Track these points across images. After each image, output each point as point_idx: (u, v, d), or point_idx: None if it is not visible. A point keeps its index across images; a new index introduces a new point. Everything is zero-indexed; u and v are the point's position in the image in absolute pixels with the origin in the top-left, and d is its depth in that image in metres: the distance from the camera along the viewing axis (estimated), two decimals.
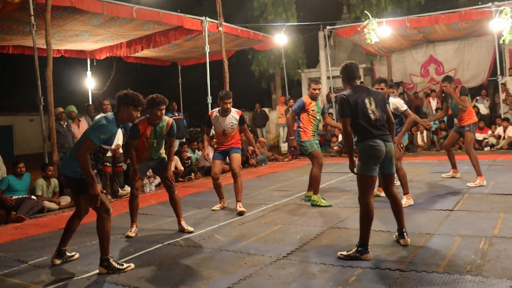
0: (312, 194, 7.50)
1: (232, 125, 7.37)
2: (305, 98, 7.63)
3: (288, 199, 8.23)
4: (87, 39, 12.69)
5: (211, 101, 13.64)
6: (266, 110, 20.52)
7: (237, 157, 7.41)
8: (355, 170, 4.81)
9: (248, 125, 20.10)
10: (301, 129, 7.56)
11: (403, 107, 7.14)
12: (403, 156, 7.25)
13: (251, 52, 20.52)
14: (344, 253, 4.74)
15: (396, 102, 7.10)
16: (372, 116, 4.76)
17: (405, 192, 6.99)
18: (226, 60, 14.11)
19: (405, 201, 6.87)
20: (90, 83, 15.64)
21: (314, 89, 7.43)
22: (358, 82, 4.95)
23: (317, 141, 7.64)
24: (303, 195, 8.24)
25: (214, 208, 7.64)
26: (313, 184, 7.48)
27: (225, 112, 7.32)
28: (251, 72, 21.79)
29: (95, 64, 15.06)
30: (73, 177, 4.72)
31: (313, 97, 7.55)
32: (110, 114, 4.82)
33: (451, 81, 8.82)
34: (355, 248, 4.68)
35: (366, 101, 4.79)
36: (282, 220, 6.63)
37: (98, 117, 7.10)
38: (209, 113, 7.52)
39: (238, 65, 22.46)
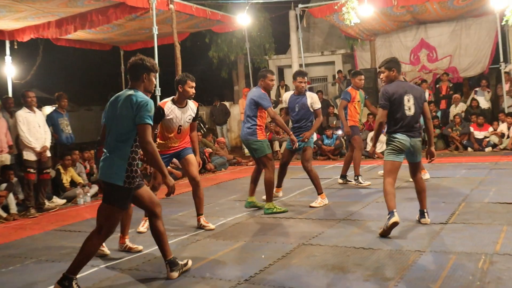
0: (266, 202, 7.82)
1: (189, 119, 7.10)
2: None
3: (252, 210, 8.20)
4: (5, 16, 12.36)
5: (160, 94, 13.49)
6: (227, 104, 20.48)
7: (194, 159, 7.10)
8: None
9: (205, 122, 20.05)
10: (257, 127, 7.72)
11: (317, 105, 8.42)
12: (312, 158, 8.38)
13: (209, 34, 20.47)
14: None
15: (314, 97, 8.42)
16: (407, 112, 6.26)
17: (319, 192, 8.19)
18: (178, 44, 13.96)
19: (319, 200, 8.14)
20: (9, 70, 15.23)
21: (272, 80, 7.87)
22: (401, 78, 6.41)
23: (268, 142, 7.93)
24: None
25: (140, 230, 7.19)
26: (267, 191, 7.78)
27: (183, 102, 7.03)
28: (208, 59, 21.72)
29: (16, 47, 14.67)
30: (116, 184, 4.69)
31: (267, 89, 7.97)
32: (133, 90, 4.88)
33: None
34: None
35: (405, 97, 6.27)
36: (245, 236, 6.58)
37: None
38: (161, 104, 6.96)
39: (193, 51, 22.33)
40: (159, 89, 13.31)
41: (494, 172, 10.68)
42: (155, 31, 13.17)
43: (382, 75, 6.57)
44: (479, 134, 15.12)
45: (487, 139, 14.91)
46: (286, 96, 8.79)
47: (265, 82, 7.77)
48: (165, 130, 6.99)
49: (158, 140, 7.03)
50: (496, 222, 6.41)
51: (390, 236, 6.03)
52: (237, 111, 20.30)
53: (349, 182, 10.25)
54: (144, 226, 7.05)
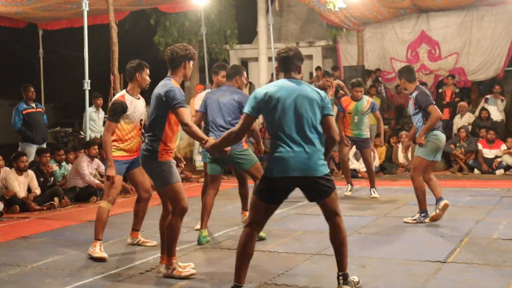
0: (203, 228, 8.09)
1: (144, 114, 7.61)
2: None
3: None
4: None
5: (89, 87, 13.38)
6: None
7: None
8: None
9: (146, 125, 19.93)
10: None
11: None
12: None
13: (155, 15, 20.49)
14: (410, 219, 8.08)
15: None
16: None
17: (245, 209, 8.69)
18: (115, 25, 13.92)
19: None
20: None
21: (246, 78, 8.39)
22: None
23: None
24: (226, 233, 8.34)
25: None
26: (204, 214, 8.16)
27: (137, 93, 7.62)
28: (153, 46, 21.68)
29: None
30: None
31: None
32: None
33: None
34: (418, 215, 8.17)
35: None
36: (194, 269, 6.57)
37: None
38: (120, 98, 7.42)
39: (134, 34, 22.27)
40: (88, 81, 13.22)
41: (505, 200, 10.87)
42: (85, 7, 13.09)
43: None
44: (489, 153, 15.36)
45: (499, 160, 15.16)
46: None
47: (240, 80, 8.14)
48: (124, 130, 7.45)
49: (116, 142, 7.41)
50: (506, 263, 6.50)
51: (376, 276, 6.08)
52: (187, 112, 20.19)
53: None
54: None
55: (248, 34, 23.14)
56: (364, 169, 14.68)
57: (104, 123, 15.54)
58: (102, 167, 12.48)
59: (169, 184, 6.31)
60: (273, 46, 18.34)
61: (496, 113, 16.97)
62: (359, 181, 13.70)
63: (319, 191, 5.42)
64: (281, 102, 5.37)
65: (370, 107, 11.60)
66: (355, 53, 20.46)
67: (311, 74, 21.92)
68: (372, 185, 11.67)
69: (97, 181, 12.37)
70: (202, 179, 15.01)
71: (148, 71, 7.65)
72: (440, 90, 18.31)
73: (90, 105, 14.33)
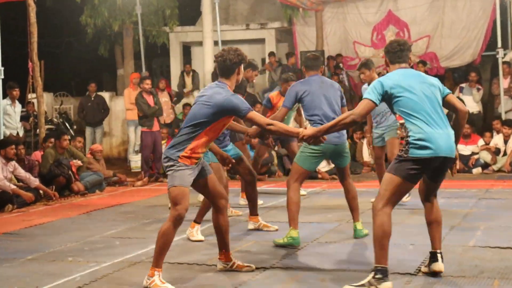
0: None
1: None
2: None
3: (141, 251, 8.14)
4: None
5: (2, 76, 13.17)
6: (106, 95, 20.23)
7: None
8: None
9: (71, 121, 19.71)
10: None
11: None
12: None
13: None
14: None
15: None
16: None
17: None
18: (32, 3, 13.74)
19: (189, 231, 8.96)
20: None
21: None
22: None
23: None
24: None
25: None
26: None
27: None
28: (80, 28, 21.46)
29: None
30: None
31: None
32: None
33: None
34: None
35: None
36: None
37: None
38: None
39: (57, 14, 22.04)
40: (1, 69, 13.02)
41: (484, 203, 11.00)
42: None
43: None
44: (464, 149, 15.50)
45: (476, 157, 15.32)
46: None
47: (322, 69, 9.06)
48: None
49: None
50: (484, 274, 6.53)
51: None
52: (120, 105, 20.04)
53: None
54: None
55: (190, 15, 23.10)
56: (324, 169, 14.75)
57: (21, 118, 15.31)
58: (19, 170, 12.34)
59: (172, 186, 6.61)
60: (219, 28, 18.29)
61: (472, 104, 17.04)
62: (319, 183, 13.70)
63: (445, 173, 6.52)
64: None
65: None
66: (313, 36, 20.53)
67: (263, 60, 21.91)
68: None
69: (13, 186, 12.14)
70: (139, 182, 14.98)
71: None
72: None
73: (4, 97, 14.16)
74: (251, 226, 9.49)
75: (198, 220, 8.88)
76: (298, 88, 8.68)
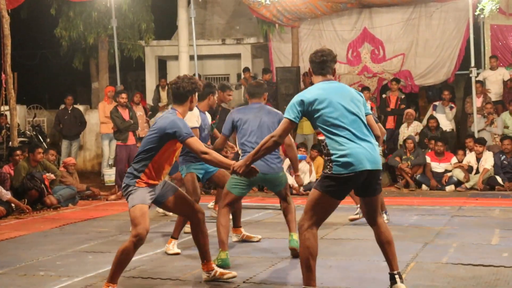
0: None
1: None
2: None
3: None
4: None
5: None
6: (81, 108, 20.15)
7: None
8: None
9: (45, 134, 19.62)
10: None
11: None
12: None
13: (56, 3, 20.31)
14: None
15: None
16: None
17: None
18: (6, 15, 13.71)
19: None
20: None
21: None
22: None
23: None
24: (139, 259, 8.15)
25: None
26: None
27: None
28: (54, 40, 21.39)
29: None
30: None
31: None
32: None
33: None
34: None
35: None
36: None
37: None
38: None
39: (31, 26, 21.95)
40: None
41: (456, 220, 11.06)
42: None
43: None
44: (438, 167, 15.63)
45: (449, 174, 15.44)
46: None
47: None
48: None
49: None
50: None
51: None
52: (95, 119, 20.00)
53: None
54: None
55: (166, 29, 23.09)
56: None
57: None
58: None
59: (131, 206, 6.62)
60: (195, 43, 18.31)
61: (445, 122, 17.25)
62: (294, 198, 13.70)
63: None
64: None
65: None
66: (289, 53, 20.57)
67: (239, 75, 21.95)
68: None
69: None
70: (112, 196, 14.93)
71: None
72: (384, 96, 18.49)
73: None
74: (234, 238, 9.51)
75: (175, 236, 8.86)
76: (234, 116, 8.72)
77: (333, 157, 5.98)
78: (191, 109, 7.14)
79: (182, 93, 6.94)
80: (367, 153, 6.02)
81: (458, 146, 16.32)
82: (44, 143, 18.16)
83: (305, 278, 5.98)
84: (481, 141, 15.41)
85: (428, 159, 15.62)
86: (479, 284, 6.82)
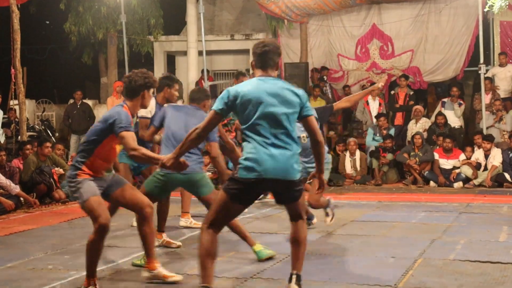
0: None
1: None
2: None
3: (122, 260, 8.11)
4: None
5: None
6: (90, 103, 20.19)
7: None
8: None
9: (54, 128, 19.65)
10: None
11: None
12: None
13: None
14: None
15: None
16: None
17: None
18: (16, 9, 13.73)
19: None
20: None
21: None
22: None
23: None
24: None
25: None
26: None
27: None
28: (64, 35, 21.44)
29: None
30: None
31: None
32: None
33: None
34: None
35: None
36: None
37: None
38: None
39: (41, 21, 22.00)
40: None
41: (464, 217, 11.04)
42: None
43: None
44: (446, 163, 15.59)
45: (457, 171, 15.40)
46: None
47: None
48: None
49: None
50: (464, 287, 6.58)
51: None
52: (104, 113, 19.96)
53: None
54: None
55: (175, 24, 23.11)
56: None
57: (3, 124, 15.28)
58: (0, 178, 12.32)
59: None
60: (204, 38, 18.31)
61: (453, 118, 17.20)
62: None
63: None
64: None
65: None
66: (298, 49, 20.56)
67: (247, 71, 21.93)
68: None
69: None
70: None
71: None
72: (392, 92, 18.44)
73: None
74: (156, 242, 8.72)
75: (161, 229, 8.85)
76: (166, 109, 8.61)
77: (240, 159, 5.84)
78: (143, 105, 6.93)
79: (133, 87, 6.74)
80: (276, 162, 5.72)
81: (466, 142, 16.26)
82: (52, 137, 18.22)
83: (201, 276, 5.87)
84: (490, 138, 15.37)
85: (436, 156, 15.60)
86: (487, 281, 6.82)
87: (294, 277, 6.06)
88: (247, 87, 5.88)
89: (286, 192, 5.96)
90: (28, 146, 13.99)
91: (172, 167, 6.24)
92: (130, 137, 6.44)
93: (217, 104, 5.84)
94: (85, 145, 6.64)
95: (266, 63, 6.00)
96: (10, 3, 13.61)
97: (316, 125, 6.02)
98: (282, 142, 5.77)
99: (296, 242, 6.10)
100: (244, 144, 5.85)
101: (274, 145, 5.73)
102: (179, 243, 8.85)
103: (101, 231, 6.37)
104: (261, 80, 5.93)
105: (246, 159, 5.72)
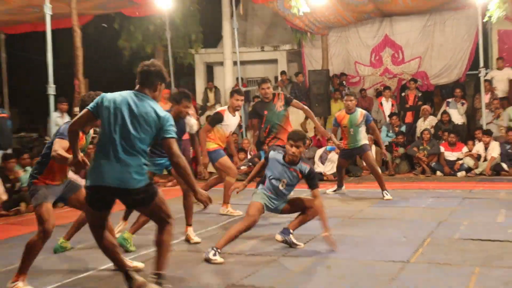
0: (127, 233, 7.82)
1: None
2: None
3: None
4: None
5: (54, 92, 13.31)
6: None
7: None
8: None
9: None
10: None
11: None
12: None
13: (119, 19, 20.42)
14: None
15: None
16: None
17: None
18: (78, 30, 13.88)
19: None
20: None
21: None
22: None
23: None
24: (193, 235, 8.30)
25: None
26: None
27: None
28: (117, 50, 21.61)
29: None
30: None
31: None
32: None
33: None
34: None
35: None
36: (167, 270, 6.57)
37: None
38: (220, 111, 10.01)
39: (99, 38, 22.19)
40: (53, 86, 13.17)
41: (467, 202, 11.04)
42: (48, 11, 13.01)
43: None
44: (450, 155, 15.59)
45: (460, 162, 15.39)
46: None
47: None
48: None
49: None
50: (467, 263, 6.65)
51: (341, 276, 6.21)
52: None
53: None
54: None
55: (213, 39, 23.19)
56: (330, 172, 14.87)
57: None
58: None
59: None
60: (238, 50, 18.42)
61: (457, 116, 17.20)
62: (324, 184, 13.77)
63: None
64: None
65: (364, 119, 11.64)
66: (320, 57, 20.57)
67: (276, 78, 22.02)
68: (383, 188, 11.57)
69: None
70: (169, 183, 14.84)
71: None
72: (403, 94, 18.47)
73: (55, 110, 14.18)
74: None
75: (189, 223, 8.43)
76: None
77: (88, 167, 5.70)
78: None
79: (83, 100, 6.49)
80: (113, 171, 5.38)
81: (468, 137, 16.20)
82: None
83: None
84: (489, 133, 15.36)
85: (442, 149, 15.60)
86: (488, 256, 6.88)
87: (154, 276, 5.61)
88: (115, 96, 5.56)
89: (131, 199, 5.55)
90: (90, 146, 14.02)
91: (72, 164, 6.09)
92: (57, 143, 6.30)
93: (91, 104, 5.55)
94: (42, 157, 6.63)
95: (144, 81, 5.66)
96: (73, 25, 13.77)
97: (173, 147, 5.50)
98: (123, 156, 5.38)
99: (157, 243, 5.69)
100: (95, 149, 5.60)
101: (116, 158, 5.38)
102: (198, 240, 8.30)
103: (45, 235, 6.24)
104: (131, 94, 5.59)
105: (90, 167, 5.54)
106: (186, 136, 9.03)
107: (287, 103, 10.12)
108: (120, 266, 5.72)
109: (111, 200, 5.58)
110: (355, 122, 11.50)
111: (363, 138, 11.84)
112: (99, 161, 5.42)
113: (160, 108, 5.59)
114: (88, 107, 5.53)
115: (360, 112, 11.68)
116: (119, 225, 8.37)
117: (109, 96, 5.56)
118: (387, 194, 11.38)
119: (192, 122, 8.57)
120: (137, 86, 5.67)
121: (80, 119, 5.59)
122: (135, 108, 5.47)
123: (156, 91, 5.74)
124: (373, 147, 15.99)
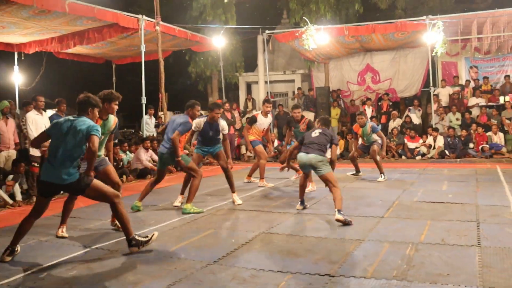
0: (186, 203, 7.46)
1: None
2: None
3: (221, 204, 8.16)
4: (14, 32, 12.19)
5: (145, 102, 13.48)
6: (202, 112, 20.39)
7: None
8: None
9: None
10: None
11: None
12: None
13: (189, 53, 20.41)
14: None
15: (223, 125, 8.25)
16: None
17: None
18: (162, 60, 13.99)
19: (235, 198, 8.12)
20: (17, 78, 15.03)
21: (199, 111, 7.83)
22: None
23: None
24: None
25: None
26: (190, 193, 7.46)
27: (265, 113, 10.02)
28: (187, 74, 21.66)
29: (23, 58, 14.49)
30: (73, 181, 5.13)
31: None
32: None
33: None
34: None
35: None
36: (214, 225, 6.60)
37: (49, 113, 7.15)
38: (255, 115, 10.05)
39: (175, 66, 22.28)
40: (145, 97, 13.33)
41: (422, 176, 10.95)
42: (143, 49, 13.18)
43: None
44: (411, 145, 15.49)
45: (418, 149, 15.29)
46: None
47: (192, 112, 7.70)
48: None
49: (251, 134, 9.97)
50: (422, 218, 6.61)
51: (336, 227, 6.21)
52: None
53: None
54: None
55: (251, 65, 23.08)
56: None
57: (155, 125, 15.63)
58: (153, 156, 12.42)
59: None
60: (268, 73, 18.45)
61: (415, 118, 17.13)
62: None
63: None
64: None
65: (371, 130, 10.98)
66: (323, 78, 20.46)
67: (293, 92, 21.95)
68: (380, 171, 10.75)
69: (150, 165, 12.26)
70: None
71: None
72: (379, 103, 18.40)
73: (146, 114, 14.33)
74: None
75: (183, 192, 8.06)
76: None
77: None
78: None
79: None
80: (52, 172, 5.08)
81: (423, 132, 16.06)
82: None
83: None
84: (436, 130, 15.27)
85: (405, 141, 15.49)
86: (436, 214, 6.84)
87: (133, 242, 5.32)
88: (61, 121, 5.31)
89: (73, 191, 5.41)
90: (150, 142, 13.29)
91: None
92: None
93: (48, 128, 5.38)
94: None
95: (81, 109, 5.36)
96: (158, 57, 13.90)
97: (93, 140, 5.11)
98: (58, 160, 5.10)
99: (116, 219, 5.59)
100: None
101: (55, 160, 5.09)
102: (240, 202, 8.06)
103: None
104: (72, 118, 5.29)
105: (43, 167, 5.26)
106: (231, 131, 9.02)
107: (308, 128, 9.66)
108: (14, 242, 5.23)
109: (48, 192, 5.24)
110: (366, 132, 11.03)
111: (374, 139, 11.08)
112: (46, 163, 5.22)
113: (87, 124, 5.22)
114: (45, 130, 5.41)
115: (368, 125, 11.01)
116: (178, 199, 8.13)
117: (57, 119, 5.39)
118: (382, 177, 10.54)
119: (223, 123, 8.23)
120: (80, 112, 5.38)
121: (36, 138, 5.46)
122: (74, 126, 5.19)
123: (93, 113, 5.45)
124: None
